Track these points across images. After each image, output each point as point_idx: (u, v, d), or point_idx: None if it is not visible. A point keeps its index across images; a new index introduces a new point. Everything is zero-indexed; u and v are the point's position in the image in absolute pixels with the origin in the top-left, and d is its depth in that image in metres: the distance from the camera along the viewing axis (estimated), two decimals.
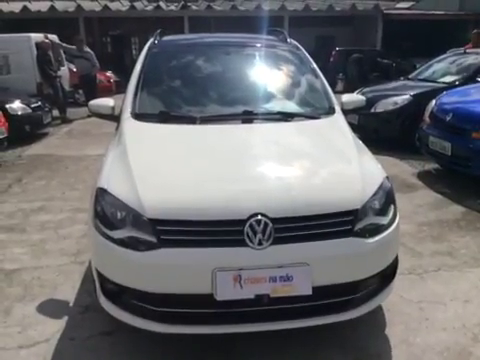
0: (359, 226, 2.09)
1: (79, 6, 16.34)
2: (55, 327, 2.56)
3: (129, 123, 2.70)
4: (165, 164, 2.34)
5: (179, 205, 2.03)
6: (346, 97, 3.16)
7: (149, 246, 2.00)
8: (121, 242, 2.05)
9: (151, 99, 2.98)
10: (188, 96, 3.01)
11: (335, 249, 2.04)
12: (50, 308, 2.77)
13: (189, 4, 17.44)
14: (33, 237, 3.81)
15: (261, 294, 1.97)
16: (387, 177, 2.39)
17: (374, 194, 2.19)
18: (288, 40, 3.60)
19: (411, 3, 22.48)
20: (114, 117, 3.04)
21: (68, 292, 2.94)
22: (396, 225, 2.25)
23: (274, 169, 2.30)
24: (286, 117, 2.80)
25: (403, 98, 6.43)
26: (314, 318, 2.09)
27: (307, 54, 3.43)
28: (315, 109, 2.95)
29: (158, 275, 2.01)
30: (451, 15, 18.42)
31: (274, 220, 1.99)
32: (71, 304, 2.81)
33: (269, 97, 3.02)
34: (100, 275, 2.19)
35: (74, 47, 10.71)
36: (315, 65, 3.30)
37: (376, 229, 2.15)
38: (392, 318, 2.57)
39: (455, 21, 18.22)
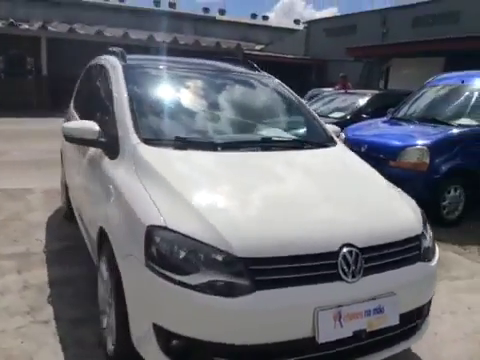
0: (422, 250, 2.15)
1: None
2: None
3: (145, 149, 2.33)
4: (226, 196, 2.06)
5: (272, 241, 1.81)
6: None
7: (242, 290, 1.72)
8: (203, 288, 1.73)
9: (154, 124, 2.62)
10: (194, 121, 2.74)
11: (413, 275, 2.06)
12: None
13: (47, 25, 16.12)
14: None
15: (359, 330, 1.85)
16: None
17: (423, 217, 2.29)
18: (259, 70, 3.58)
19: (262, 46, 24.71)
20: (96, 143, 2.60)
21: (52, 359, 2.35)
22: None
23: (340, 198, 2.21)
24: (300, 144, 2.75)
25: None
26: (395, 346, 2.05)
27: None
28: (319, 137, 2.96)
29: (253, 323, 1.73)
30: (299, 59, 20.72)
31: (362, 250, 1.91)
32: None
33: (275, 124, 2.95)
34: (162, 331, 1.79)
35: None
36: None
37: (431, 252, 2.23)
38: None
39: (301, 64, 20.54)
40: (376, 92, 8.28)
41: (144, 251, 1.83)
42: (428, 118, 5.77)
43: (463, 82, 6.00)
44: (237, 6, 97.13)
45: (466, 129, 5.25)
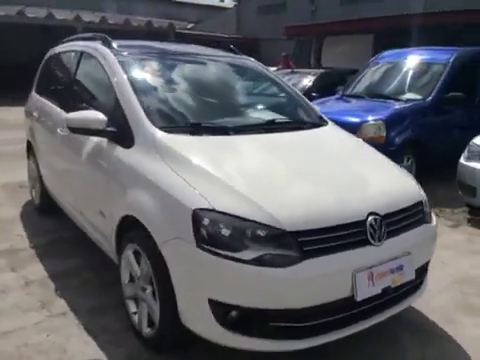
0: (425, 214, 2.45)
1: None
2: None
3: (165, 136, 2.38)
4: (260, 176, 2.20)
5: (314, 214, 2.00)
6: None
7: (292, 260, 1.90)
8: (256, 262, 1.88)
9: (164, 111, 2.65)
10: (198, 107, 2.82)
11: (421, 235, 2.36)
12: None
13: None
14: None
15: (386, 287, 2.11)
16: None
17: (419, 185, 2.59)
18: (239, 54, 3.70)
19: (192, 24, 24.42)
20: (104, 133, 2.60)
21: (86, 348, 2.39)
22: None
23: (356, 172, 2.44)
24: (300, 125, 2.94)
25: None
26: (410, 298, 2.36)
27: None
28: (312, 117, 3.15)
29: (303, 289, 1.92)
30: (232, 38, 20.77)
31: (384, 217, 2.16)
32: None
33: (273, 107, 3.10)
34: (218, 305, 1.93)
35: None
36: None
37: (429, 215, 2.54)
38: None
39: (235, 43, 20.62)
40: (322, 71, 8.65)
41: (193, 233, 1.94)
42: (377, 94, 6.21)
43: (405, 59, 6.51)
44: None
45: (413, 103, 5.74)
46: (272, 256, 1.90)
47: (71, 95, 3.36)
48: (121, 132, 2.56)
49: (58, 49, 4.13)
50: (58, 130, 3.31)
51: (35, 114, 4.07)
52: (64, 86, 3.57)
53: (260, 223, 1.91)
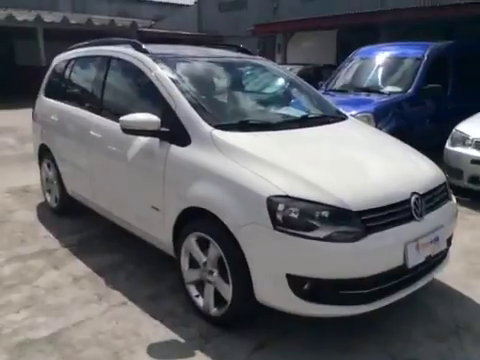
0: (448, 192, 2.83)
1: None
2: None
3: (222, 134, 2.62)
4: (319, 165, 2.49)
5: (373, 195, 2.32)
6: None
7: (358, 235, 2.20)
8: (328, 239, 2.17)
9: (213, 111, 2.87)
10: (239, 105, 3.08)
11: (449, 210, 2.74)
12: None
13: None
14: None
15: (428, 255, 2.47)
16: None
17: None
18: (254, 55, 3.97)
19: (152, 22, 24.24)
20: (158, 133, 2.80)
21: (157, 330, 2.60)
22: None
23: (393, 159, 2.79)
24: (327, 119, 3.26)
25: None
26: (442, 265, 2.73)
27: None
28: (334, 111, 3.48)
29: (368, 259, 2.24)
30: (196, 35, 20.89)
31: (423, 195, 2.51)
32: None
33: (300, 103, 3.39)
34: (295, 279, 2.21)
35: None
36: None
37: (450, 193, 2.92)
38: None
39: (196, 40, 20.77)
40: (301, 67, 9.03)
41: (270, 218, 2.21)
42: (360, 88, 6.64)
43: (383, 54, 6.99)
44: None
45: (395, 95, 6.20)
46: (341, 233, 2.20)
47: (103, 99, 3.50)
48: (174, 132, 2.76)
49: (71, 55, 4.23)
50: (91, 132, 3.45)
51: (53, 118, 4.16)
52: (92, 90, 3.68)
53: (330, 205, 2.21)
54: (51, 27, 16.22)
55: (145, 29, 19.72)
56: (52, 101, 4.31)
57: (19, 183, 5.54)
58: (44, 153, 4.47)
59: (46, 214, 4.54)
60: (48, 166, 4.45)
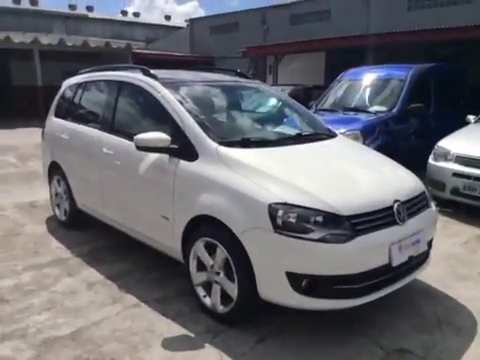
0: (428, 200, 3.18)
1: None
2: None
3: (226, 150, 2.94)
4: (313, 176, 2.82)
5: (361, 202, 2.65)
6: None
7: (348, 237, 2.52)
8: (323, 240, 2.49)
9: (217, 130, 3.20)
10: (239, 124, 3.41)
11: (428, 216, 3.08)
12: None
13: None
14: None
15: (410, 255, 2.79)
16: None
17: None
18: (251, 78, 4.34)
19: (146, 44, 24.80)
20: (168, 150, 3.12)
21: (170, 327, 2.87)
22: None
23: (378, 170, 3.14)
24: (319, 136, 3.61)
25: None
26: (423, 266, 3.05)
27: None
28: (324, 129, 3.84)
29: (357, 258, 2.56)
30: (188, 56, 21.46)
31: (404, 202, 2.85)
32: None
33: (294, 122, 3.74)
34: (294, 276, 2.51)
35: None
36: None
37: (430, 200, 3.26)
38: None
39: (189, 61, 21.32)
40: (292, 87, 9.47)
41: (271, 222, 2.52)
42: (348, 108, 7.06)
43: (369, 75, 7.44)
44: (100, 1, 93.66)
45: (381, 115, 6.62)
46: (333, 235, 2.51)
47: (115, 119, 3.82)
48: (183, 148, 3.09)
49: (82, 79, 4.56)
50: (104, 150, 3.77)
51: (64, 136, 4.47)
52: (104, 111, 3.99)
53: (323, 211, 2.54)
54: (48, 49, 16.62)
55: (139, 50, 20.20)
56: (63, 122, 4.62)
57: (25, 199, 5.81)
58: (54, 170, 4.76)
59: (55, 227, 4.80)
60: (58, 182, 4.73)
